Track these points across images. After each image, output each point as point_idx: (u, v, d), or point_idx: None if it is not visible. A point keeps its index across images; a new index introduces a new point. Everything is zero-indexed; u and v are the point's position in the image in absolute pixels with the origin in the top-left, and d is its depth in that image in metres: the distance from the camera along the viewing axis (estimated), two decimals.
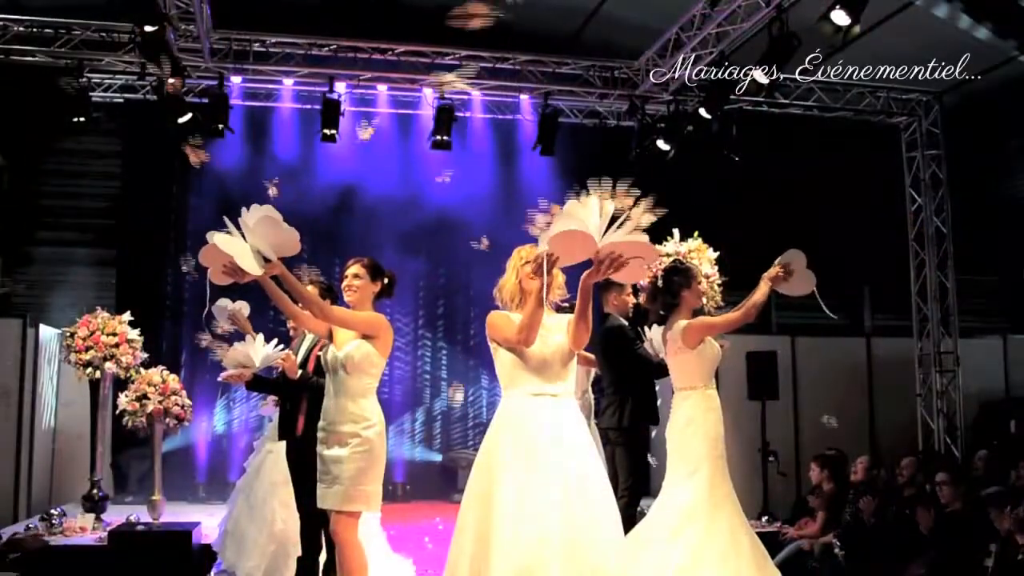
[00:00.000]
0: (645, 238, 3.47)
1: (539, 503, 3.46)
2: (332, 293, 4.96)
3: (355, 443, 4.05)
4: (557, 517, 3.45)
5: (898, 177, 10.53)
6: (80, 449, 8.31)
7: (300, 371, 4.82)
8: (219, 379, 5.10)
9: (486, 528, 3.50)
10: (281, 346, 5.04)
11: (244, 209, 3.90)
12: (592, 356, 5.73)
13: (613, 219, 3.42)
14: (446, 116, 9.66)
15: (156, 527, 6.81)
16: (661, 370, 5.19)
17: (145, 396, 7.42)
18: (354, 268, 4.37)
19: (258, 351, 4.94)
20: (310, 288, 4.87)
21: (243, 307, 5.59)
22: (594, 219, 3.40)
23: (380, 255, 4.56)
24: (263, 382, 5.18)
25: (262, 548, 5.66)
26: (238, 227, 3.89)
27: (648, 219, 3.49)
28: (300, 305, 4.15)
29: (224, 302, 5.55)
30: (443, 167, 10.48)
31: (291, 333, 5.42)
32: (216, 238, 3.88)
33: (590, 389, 6.16)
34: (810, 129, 10.81)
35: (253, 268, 3.86)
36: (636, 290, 5.81)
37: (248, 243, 3.87)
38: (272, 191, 8.92)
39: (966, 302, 10.59)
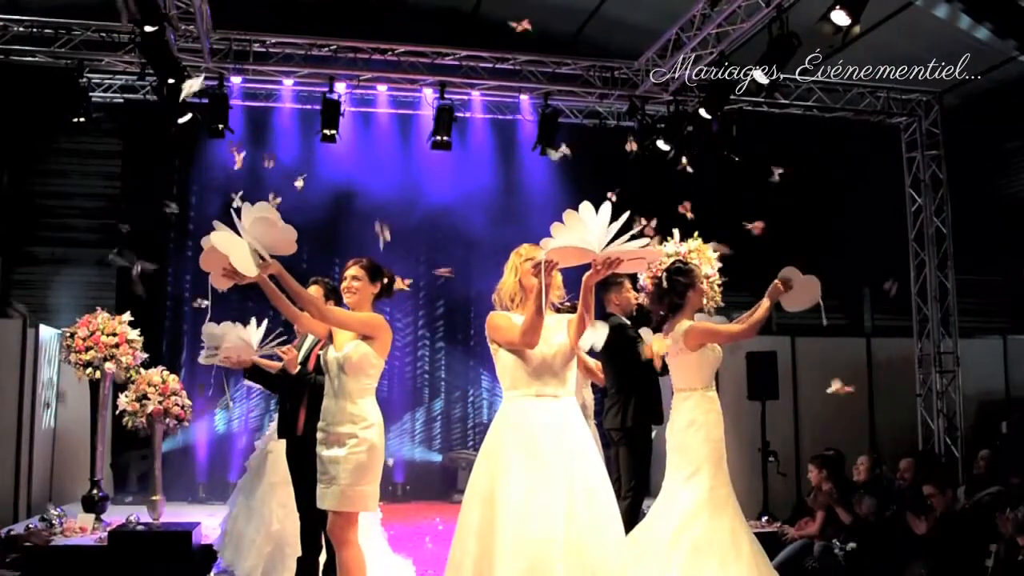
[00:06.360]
0: (646, 245, 3.47)
1: (543, 504, 3.45)
2: (336, 294, 4.94)
3: (352, 443, 4.04)
4: (561, 518, 3.44)
5: (898, 177, 10.51)
6: (80, 449, 8.31)
7: (299, 366, 4.81)
8: (218, 361, 5.00)
9: (490, 529, 3.49)
10: (284, 337, 5.02)
11: (234, 211, 3.86)
12: (594, 364, 5.70)
13: (619, 233, 3.41)
14: (446, 116, 9.65)
15: (156, 527, 6.80)
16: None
17: (145, 396, 7.43)
18: (352, 270, 4.35)
19: (255, 335, 4.92)
20: (315, 288, 4.89)
21: (240, 348, 5.01)
22: (595, 231, 3.39)
23: (379, 255, 4.53)
24: (263, 374, 5.16)
25: (259, 548, 5.65)
26: (234, 227, 3.86)
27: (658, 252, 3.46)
28: (298, 306, 4.13)
29: (211, 327, 4.99)
30: (443, 167, 10.49)
31: (296, 329, 5.39)
32: (213, 237, 3.86)
33: (588, 388, 6.14)
34: (810, 129, 10.81)
35: (248, 268, 3.83)
36: (635, 284, 5.80)
37: (244, 242, 3.83)
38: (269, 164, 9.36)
39: (966, 302, 10.58)
